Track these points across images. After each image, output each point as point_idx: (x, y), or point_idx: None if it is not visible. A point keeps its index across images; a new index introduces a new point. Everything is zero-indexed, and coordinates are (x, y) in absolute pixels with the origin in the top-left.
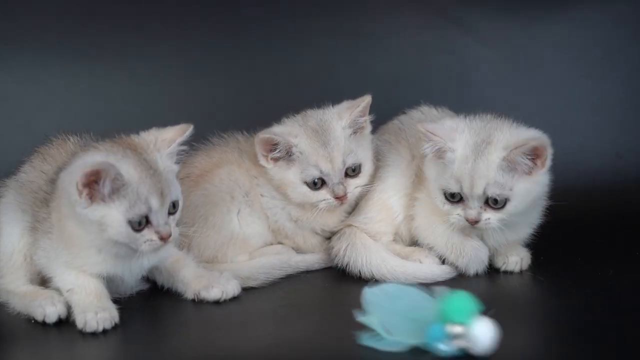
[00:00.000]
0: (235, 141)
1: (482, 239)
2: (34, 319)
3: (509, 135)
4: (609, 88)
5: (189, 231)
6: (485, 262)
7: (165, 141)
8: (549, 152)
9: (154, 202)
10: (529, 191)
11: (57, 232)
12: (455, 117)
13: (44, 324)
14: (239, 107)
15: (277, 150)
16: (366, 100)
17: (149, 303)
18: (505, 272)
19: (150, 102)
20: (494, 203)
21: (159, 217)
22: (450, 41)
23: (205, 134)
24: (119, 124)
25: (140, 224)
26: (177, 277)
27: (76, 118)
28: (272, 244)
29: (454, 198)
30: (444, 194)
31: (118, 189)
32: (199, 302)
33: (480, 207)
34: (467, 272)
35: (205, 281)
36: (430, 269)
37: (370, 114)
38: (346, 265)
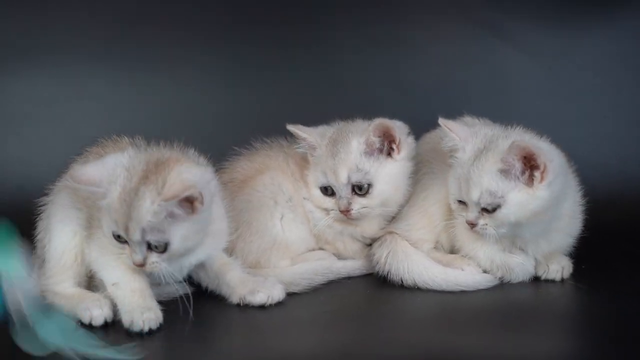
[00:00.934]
0: (279, 146)
1: (523, 250)
2: (80, 321)
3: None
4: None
5: (232, 236)
6: (532, 272)
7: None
8: (549, 167)
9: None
10: (525, 203)
11: None
12: (474, 132)
13: (90, 326)
14: (280, 114)
15: (299, 146)
16: (375, 122)
17: (194, 306)
18: (547, 281)
19: (193, 109)
20: (485, 209)
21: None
22: (490, 50)
23: (248, 140)
24: (162, 130)
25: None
26: (223, 280)
27: (121, 124)
28: (314, 250)
29: (461, 202)
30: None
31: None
32: (243, 307)
33: (479, 212)
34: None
35: (251, 286)
36: (472, 276)
37: (407, 123)
38: (387, 273)
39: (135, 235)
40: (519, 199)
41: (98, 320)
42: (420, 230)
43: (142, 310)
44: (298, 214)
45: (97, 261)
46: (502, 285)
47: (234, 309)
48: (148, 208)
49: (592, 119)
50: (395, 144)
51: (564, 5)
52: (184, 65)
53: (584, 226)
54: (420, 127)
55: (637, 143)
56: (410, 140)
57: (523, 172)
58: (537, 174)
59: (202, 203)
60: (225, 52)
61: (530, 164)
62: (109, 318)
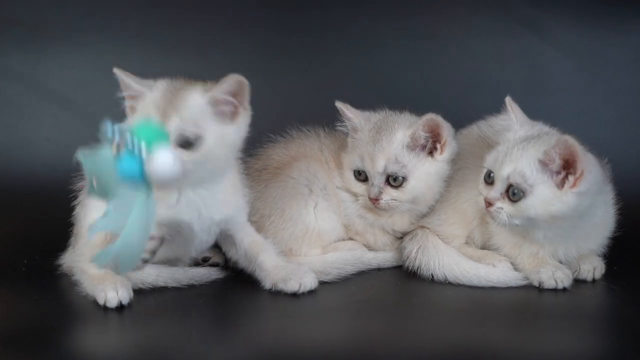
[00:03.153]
0: (315, 135)
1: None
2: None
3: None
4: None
5: (266, 223)
6: (570, 276)
7: None
8: (586, 177)
9: None
10: (550, 201)
11: None
12: (533, 124)
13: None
14: (315, 103)
15: (341, 125)
16: (425, 117)
17: (224, 291)
18: (578, 280)
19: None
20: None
21: None
22: (527, 47)
23: (283, 128)
24: None
25: None
26: (255, 260)
27: None
28: (344, 240)
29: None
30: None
31: None
32: (274, 293)
33: (502, 195)
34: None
35: (284, 273)
36: (503, 273)
37: (445, 118)
38: (418, 268)
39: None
40: (546, 195)
41: (112, 302)
42: (453, 225)
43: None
44: (331, 203)
45: None
46: (533, 286)
47: (265, 295)
48: None
49: (628, 118)
50: (440, 143)
51: (601, 4)
52: (217, 51)
53: (617, 227)
54: (453, 121)
55: None
56: (455, 143)
57: (559, 172)
58: (571, 178)
59: None
60: (259, 38)
61: (569, 167)
62: (125, 300)
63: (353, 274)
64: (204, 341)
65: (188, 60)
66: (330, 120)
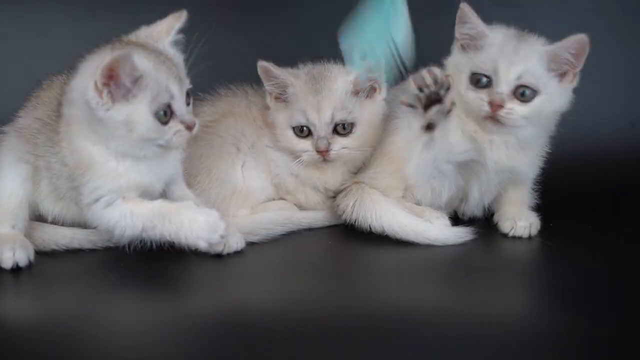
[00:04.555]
0: (243, 93)
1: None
2: None
3: None
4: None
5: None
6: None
7: (162, 31)
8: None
9: (175, 89)
10: (555, 97)
11: (69, 157)
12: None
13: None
14: (245, 61)
15: (273, 84)
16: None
17: (145, 253)
18: (514, 237)
19: None
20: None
21: (181, 105)
22: None
23: (212, 86)
24: None
25: (166, 114)
26: None
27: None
28: (274, 200)
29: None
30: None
31: (136, 82)
32: (199, 254)
33: (511, 94)
34: None
35: None
36: (441, 230)
37: None
38: (355, 221)
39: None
40: (554, 92)
41: (6, 264)
42: (389, 177)
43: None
44: (260, 162)
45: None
46: (470, 241)
47: (191, 257)
48: None
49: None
50: (377, 83)
51: None
52: (147, 4)
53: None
54: None
55: (610, 102)
56: (385, 82)
57: (563, 68)
58: (571, 73)
59: None
60: None
61: (573, 64)
62: (22, 262)
63: (283, 235)
64: (124, 306)
65: (115, 12)
66: (257, 78)
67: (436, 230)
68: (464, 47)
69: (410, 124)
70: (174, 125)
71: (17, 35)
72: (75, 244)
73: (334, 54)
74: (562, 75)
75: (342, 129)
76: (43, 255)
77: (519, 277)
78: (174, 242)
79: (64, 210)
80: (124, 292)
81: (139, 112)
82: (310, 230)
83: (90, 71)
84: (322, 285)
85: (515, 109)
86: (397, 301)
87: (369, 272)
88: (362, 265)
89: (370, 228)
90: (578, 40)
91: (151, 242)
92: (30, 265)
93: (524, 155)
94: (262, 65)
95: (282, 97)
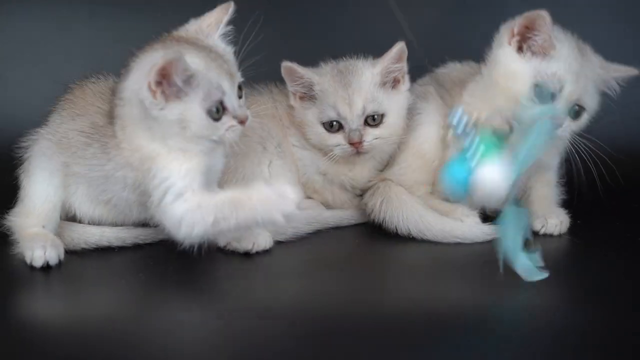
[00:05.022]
0: (268, 92)
1: None
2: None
3: None
4: None
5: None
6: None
7: (211, 25)
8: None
9: (226, 85)
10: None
11: (132, 156)
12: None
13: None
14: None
15: (299, 84)
16: (398, 46)
17: (173, 252)
18: (544, 235)
19: None
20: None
21: (232, 100)
22: None
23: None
24: None
25: (218, 110)
26: None
27: (103, 64)
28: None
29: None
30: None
31: (188, 81)
32: (228, 253)
33: None
34: None
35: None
36: (470, 228)
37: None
38: (382, 221)
39: None
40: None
41: (38, 262)
42: (415, 172)
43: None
44: (286, 161)
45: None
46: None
47: (219, 256)
48: None
49: None
50: (401, 75)
51: None
52: (170, 4)
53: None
54: None
55: None
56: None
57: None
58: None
59: None
60: None
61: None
62: (52, 261)
63: (310, 233)
64: (153, 306)
65: (139, 15)
66: (279, 76)
67: (465, 228)
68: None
69: (433, 118)
70: (227, 121)
71: (41, 37)
72: (104, 242)
73: (351, 52)
74: None
75: (372, 120)
76: (72, 254)
77: (549, 275)
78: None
79: (104, 213)
80: (153, 292)
81: (191, 110)
82: (337, 229)
83: (143, 71)
84: (351, 284)
85: (569, 126)
86: (426, 300)
87: (397, 270)
88: (390, 264)
89: (397, 230)
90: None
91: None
92: (60, 264)
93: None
94: (287, 65)
95: (307, 96)
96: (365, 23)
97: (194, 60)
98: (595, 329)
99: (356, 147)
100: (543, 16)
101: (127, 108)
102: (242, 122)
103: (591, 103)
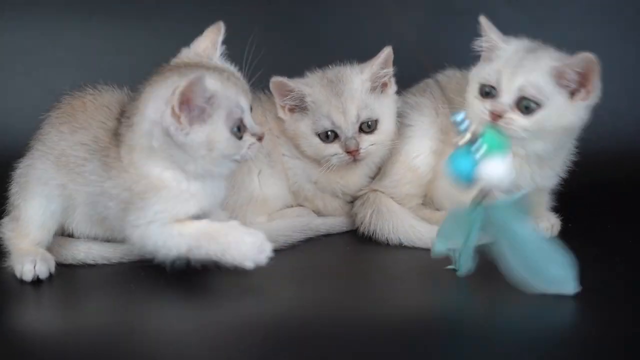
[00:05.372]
0: (257, 100)
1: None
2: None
3: None
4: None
5: None
6: None
7: (208, 48)
8: (597, 91)
9: (244, 102)
10: (563, 113)
11: (136, 183)
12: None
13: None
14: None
15: (290, 97)
16: (386, 51)
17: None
18: None
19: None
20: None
21: (250, 118)
22: None
23: None
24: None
25: (240, 129)
26: None
27: (95, 75)
28: (292, 207)
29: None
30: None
31: (210, 102)
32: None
33: (512, 106)
34: None
35: None
36: None
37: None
38: (372, 233)
39: None
40: (560, 107)
41: (27, 276)
42: (407, 185)
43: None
44: (276, 170)
45: (149, 240)
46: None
47: (210, 265)
48: None
49: None
50: (388, 78)
51: None
52: (160, 15)
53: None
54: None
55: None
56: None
57: (572, 85)
58: (583, 91)
59: None
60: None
61: (584, 82)
62: (42, 275)
63: (302, 241)
64: (145, 316)
65: (130, 25)
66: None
67: None
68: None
69: (426, 132)
70: (248, 139)
71: (32, 48)
72: (90, 260)
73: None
74: (574, 91)
75: (367, 127)
76: (63, 266)
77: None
78: (218, 261)
79: (100, 232)
80: (144, 302)
81: (217, 131)
82: (328, 236)
83: (163, 98)
84: (342, 292)
85: (515, 120)
86: (417, 307)
87: (387, 278)
88: (381, 271)
89: (388, 241)
90: (582, 59)
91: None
92: (50, 276)
93: (546, 170)
94: (277, 81)
95: (298, 107)
96: (344, 27)
97: (211, 82)
98: (589, 332)
99: (353, 155)
100: (481, 22)
101: (144, 139)
102: (260, 138)
103: (546, 99)
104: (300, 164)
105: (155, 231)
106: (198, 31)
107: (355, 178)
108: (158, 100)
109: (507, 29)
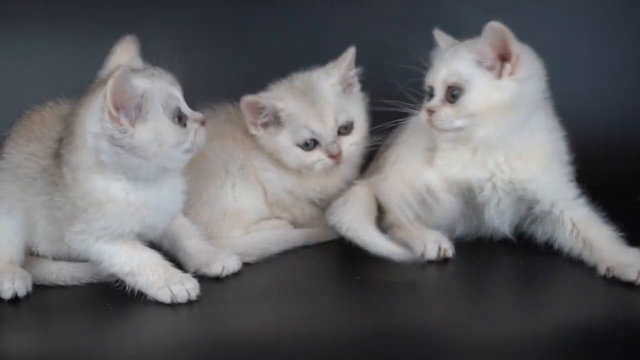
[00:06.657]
0: (225, 113)
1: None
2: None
3: None
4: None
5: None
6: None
7: (127, 62)
8: (523, 61)
9: (176, 92)
10: (489, 92)
11: (80, 199)
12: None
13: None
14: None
15: (264, 115)
16: (351, 52)
17: None
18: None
19: None
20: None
21: (186, 107)
22: None
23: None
24: None
25: (181, 118)
26: (180, 245)
27: (64, 89)
28: (268, 219)
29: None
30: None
31: (142, 99)
32: (198, 276)
33: (442, 100)
34: None
35: (206, 257)
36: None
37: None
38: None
39: None
40: (484, 87)
41: (6, 294)
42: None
43: (180, 281)
44: (250, 182)
45: (88, 252)
46: (475, 257)
47: None
48: None
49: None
50: (351, 78)
51: None
52: (129, 30)
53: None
54: None
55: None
56: None
57: (495, 63)
58: (508, 66)
59: None
60: (176, 15)
61: (504, 57)
62: (20, 292)
63: (278, 254)
64: (122, 334)
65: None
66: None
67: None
68: None
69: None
70: (192, 125)
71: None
72: (60, 282)
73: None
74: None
75: (344, 129)
76: (39, 286)
77: (528, 289)
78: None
79: (62, 250)
80: (122, 322)
81: (160, 123)
82: (305, 247)
83: (97, 110)
84: (321, 305)
85: (444, 112)
86: (399, 318)
87: (367, 290)
88: (361, 283)
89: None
90: (488, 29)
91: None
92: (28, 295)
93: (528, 163)
94: (249, 100)
95: (273, 123)
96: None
97: (137, 79)
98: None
99: (337, 158)
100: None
101: (90, 156)
102: (203, 123)
103: (468, 83)
104: (275, 176)
105: (102, 247)
106: (165, 47)
107: (330, 181)
108: (94, 113)
109: (474, 31)
